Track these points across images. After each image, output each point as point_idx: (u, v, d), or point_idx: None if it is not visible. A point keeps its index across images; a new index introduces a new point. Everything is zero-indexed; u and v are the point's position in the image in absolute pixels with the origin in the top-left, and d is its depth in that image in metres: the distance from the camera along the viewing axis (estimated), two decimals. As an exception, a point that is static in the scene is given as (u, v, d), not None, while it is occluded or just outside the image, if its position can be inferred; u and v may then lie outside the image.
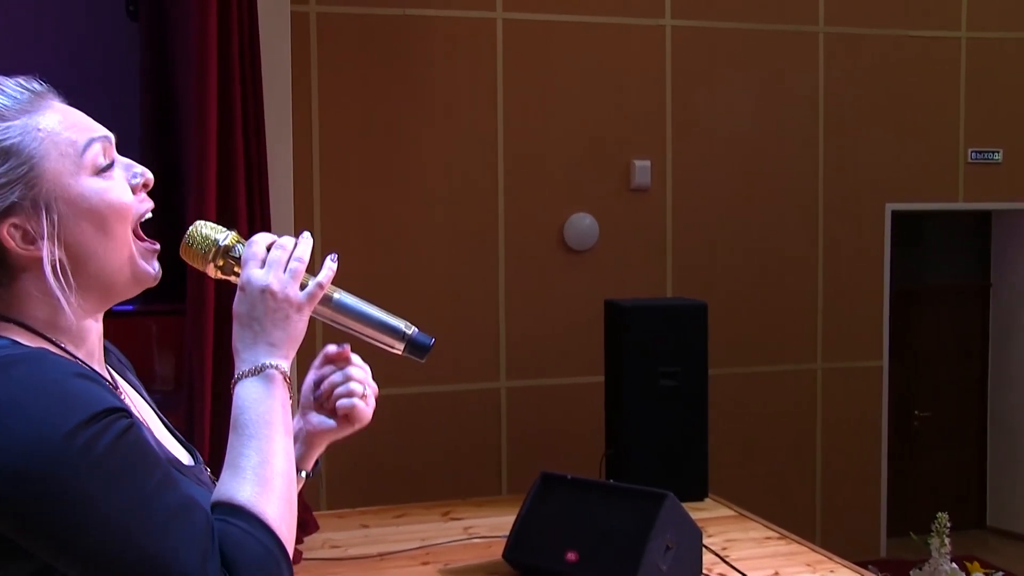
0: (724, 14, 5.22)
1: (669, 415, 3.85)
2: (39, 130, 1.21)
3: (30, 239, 1.20)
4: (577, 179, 5.05)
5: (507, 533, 3.12)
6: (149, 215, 1.31)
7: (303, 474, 1.44)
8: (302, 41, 4.51)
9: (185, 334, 3.16)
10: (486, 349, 4.92)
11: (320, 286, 1.33)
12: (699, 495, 3.85)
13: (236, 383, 1.28)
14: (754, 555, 3.30)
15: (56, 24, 4.89)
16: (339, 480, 4.33)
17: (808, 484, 5.59)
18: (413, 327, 1.39)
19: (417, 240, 4.77)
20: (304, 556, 3.29)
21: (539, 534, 3.05)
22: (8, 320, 1.22)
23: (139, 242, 1.28)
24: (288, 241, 1.33)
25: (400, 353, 1.39)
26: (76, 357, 1.25)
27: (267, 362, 1.28)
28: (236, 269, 1.34)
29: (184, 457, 1.38)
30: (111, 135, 1.28)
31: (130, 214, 1.27)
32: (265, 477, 1.21)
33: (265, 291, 1.29)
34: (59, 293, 1.20)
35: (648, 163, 5.13)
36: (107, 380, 1.30)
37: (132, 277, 1.28)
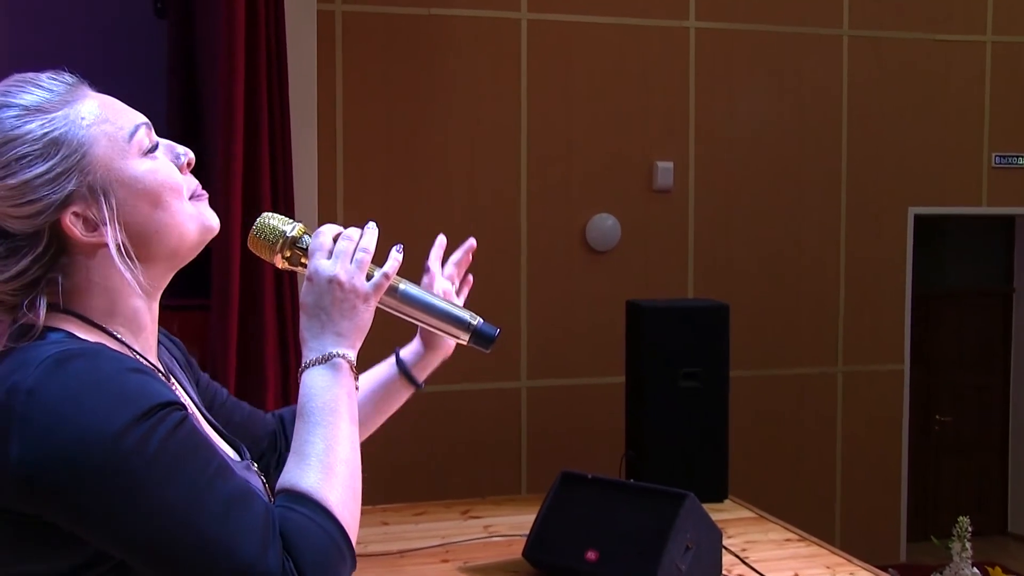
0: (748, 16, 5.22)
1: (690, 416, 3.84)
2: (83, 118, 1.23)
3: (92, 226, 1.21)
4: (600, 180, 5.06)
5: (527, 532, 3.12)
6: (200, 191, 1.33)
7: (419, 387, 1.65)
8: (327, 39, 4.53)
9: (210, 329, 3.19)
10: (507, 348, 4.93)
11: (386, 276, 1.35)
12: (719, 496, 3.85)
13: (303, 371, 1.30)
14: (774, 556, 3.29)
15: (83, 21, 4.93)
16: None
17: (828, 487, 5.58)
18: (478, 317, 1.42)
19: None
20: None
21: (559, 533, 3.04)
22: (66, 312, 1.23)
23: (193, 202, 1.31)
24: (354, 232, 1.36)
25: (466, 343, 1.42)
26: (133, 349, 1.27)
27: (334, 351, 1.30)
28: (303, 260, 1.37)
29: (230, 452, 1.39)
30: (149, 121, 1.31)
31: (182, 189, 1.29)
32: (329, 464, 1.23)
33: (332, 281, 1.31)
34: (128, 274, 1.22)
35: (671, 164, 5.13)
36: (160, 372, 1.32)
37: (198, 236, 1.31)
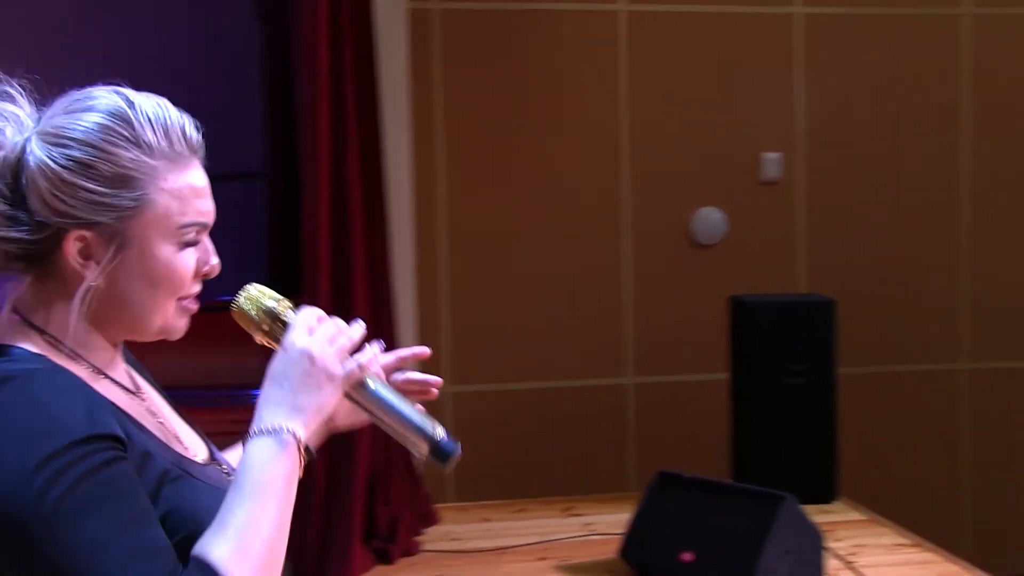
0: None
1: (796, 414, 3.77)
2: (165, 181, 1.25)
3: (86, 255, 1.24)
4: (705, 172, 4.95)
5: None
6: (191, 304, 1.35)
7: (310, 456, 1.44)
8: (423, 39, 4.53)
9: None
10: (611, 344, 4.87)
11: (361, 367, 1.32)
12: (828, 497, 3.75)
13: (250, 438, 1.27)
14: (883, 562, 3.19)
15: (185, 21, 5.05)
16: (464, 474, 4.36)
17: (952, 492, 5.32)
18: (442, 430, 1.36)
19: (543, 235, 4.75)
20: (423, 548, 3.36)
21: (655, 533, 3.03)
22: (30, 325, 1.26)
23: (180, 303, 1.32)
24: (341, 322, 1.35)
25: (424, 456, 1.36)
26: (93, 365, 1.29)
27: (286, 425, 1.26)
28: (281, 336, 1.35)
29: (201, 451, 1.40)
30: (212, 221, 1.33)
31: (182, 291, 1.31)
32: (246, 541, 1.19)
33: (304, 354, 1.29)
34: (73, 315, 1.24)
35: (778, 156, 4.99)
36: (123, 386, 1.33)
37: (159, 331, 1.32)
